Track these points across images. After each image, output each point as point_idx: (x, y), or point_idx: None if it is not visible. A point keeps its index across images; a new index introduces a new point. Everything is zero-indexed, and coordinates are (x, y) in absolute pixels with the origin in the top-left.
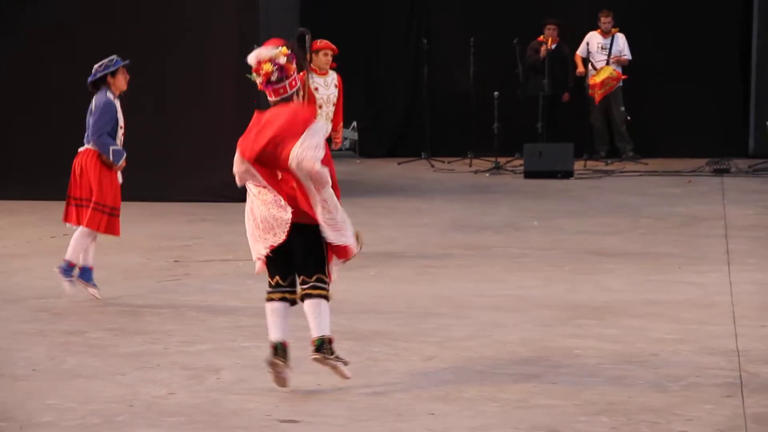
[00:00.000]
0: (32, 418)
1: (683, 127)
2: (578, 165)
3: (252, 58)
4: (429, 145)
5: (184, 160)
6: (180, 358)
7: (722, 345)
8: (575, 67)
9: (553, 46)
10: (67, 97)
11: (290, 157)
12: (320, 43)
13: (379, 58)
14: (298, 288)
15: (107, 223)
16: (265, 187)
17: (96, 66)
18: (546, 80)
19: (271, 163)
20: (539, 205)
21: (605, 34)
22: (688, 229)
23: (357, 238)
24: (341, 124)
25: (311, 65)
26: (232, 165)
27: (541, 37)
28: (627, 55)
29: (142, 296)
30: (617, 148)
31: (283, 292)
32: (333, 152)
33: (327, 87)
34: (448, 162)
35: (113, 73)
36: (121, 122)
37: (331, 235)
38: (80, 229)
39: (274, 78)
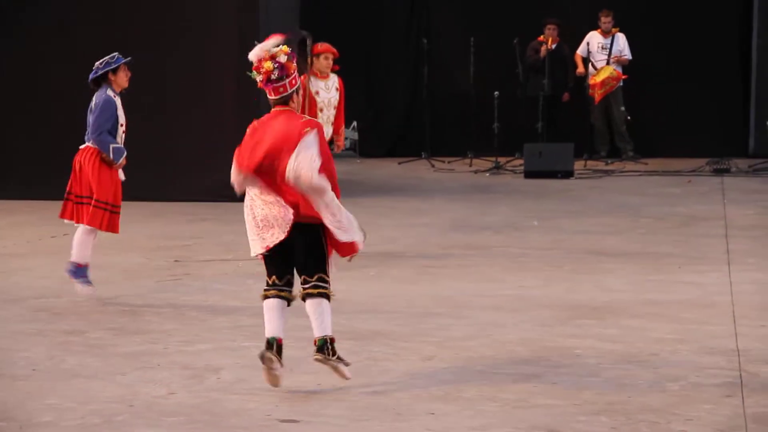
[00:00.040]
0: (32, 418)
1: (683, 127)
2: (578, 165)
3: (253, 56)
4: (429, 145)
5: (184, 160)
6: (180, 358)
7: (722, 345)
8: (575, 66)
9: (553, 46)
10: (67, 97)
11: (287, 172)
12: (321, 46)
13: (379, 58)
14: (300, 288)
15: (108, 220)
16: (266, 188)
17: (97, 63)
18: (546, 80)
19: (269, 175)
20: (539, 205)
21: (605, 33)
22: (688, 229)
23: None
24: (343, 127)
25: (312, 69)
26: (232, 165)
27: (541, 37)
28: (627, 54)
29: (142, 296)
30: (617, 148)
31: (278, 290)
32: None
33: (328, 90)
34: (448, 162)
35: (114, 71)
36: (122, 120)
37: (342, 236)
38: (81, 228)
39: (274, 76)
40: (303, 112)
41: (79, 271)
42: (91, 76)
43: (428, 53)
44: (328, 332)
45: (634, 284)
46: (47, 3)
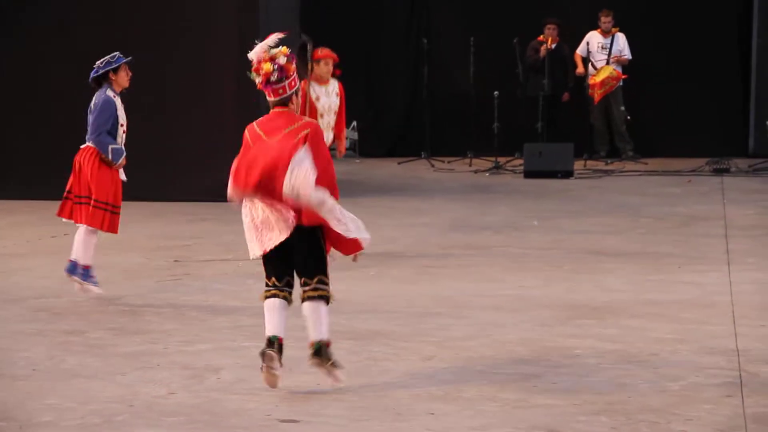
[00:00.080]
0: (32, 418)
1: (683, 127)
2: (578, 165)
3: (253, 55)
4: (429, 144)
5: (184, 160)
6: (180, 358)
7: (722, 345)
8: (575, 66)
9: (553, 46)
10: (67, 97)
11: (284, 190)
12: (321, 52)
13: (379, 58)
14: (300, 290)
15: (108, 221)
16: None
17: (98, 62)
18: (546, 80)
19: (268, 192)
20: (539, 205)
21: (605, 33)
22: (688, 228)
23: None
24: (344, 132)
25: (312, 74)
26: (232, 165)
27: (541, 36)
28: (627, 54)
29: (142, 296)
30: (617, 147)
31: (279, 290)
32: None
33: (328, 96)
34: (448, 162)
35: (115, 70)
36: (122, 120)
37: (351, 234)
38: (83, 229)
39: (273, 78)
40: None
41: (87, 273)
42: (91, 75)
43: (428, 53)
44: (325, 336)
45: (633, 284)
46: (47, 3)
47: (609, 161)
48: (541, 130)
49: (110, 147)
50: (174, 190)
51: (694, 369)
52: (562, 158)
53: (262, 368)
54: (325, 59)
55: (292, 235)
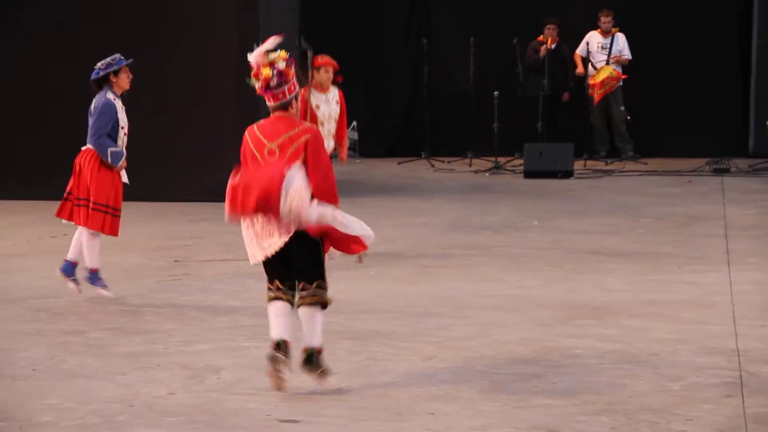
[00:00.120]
0: (32, 418)
1: (683, 127)
2: (578, 165)
3: (252, 60)
4: (429, 145)
5: (184, 160)
6: (180, 358)
7: (722, 345)
8: (575, 66)
9: (553, 46)
10: (67, 97)
11: (281, 215)
12: (321, 59)
13: (379, 58)
14: (297, 294)
15: (109, 223)
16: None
17: (99, 64)
18: (546, 80)
19: (266, 214)
20: (539, 205)
21: (605, 33)
22: (688, 229)
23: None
24: (346, 139)
25: (313, 82)
26: (232, 165)
27: (541, 37)
28: (627, 54)
29: (142, 296)
30: (617, 147)
31: (283, 293)
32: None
33: (328, 104)
34: (448, 162)
35: (116, 73)
36: (123, 123)
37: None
38: (84, 233)
39: (273, 83)
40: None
41: (95, 276)
42: (92, 78)
43: (428, 53)
44: (317, 343)
45: (634, 284)
46: (47, 3)
47: (609, 161)
48: (541, 130)
49: (109, 150)
50: (174, 190)
51: (694, 369)
52: (562, 158)
53: (269, 372)
54: (325, 66)
55: (291, 239)
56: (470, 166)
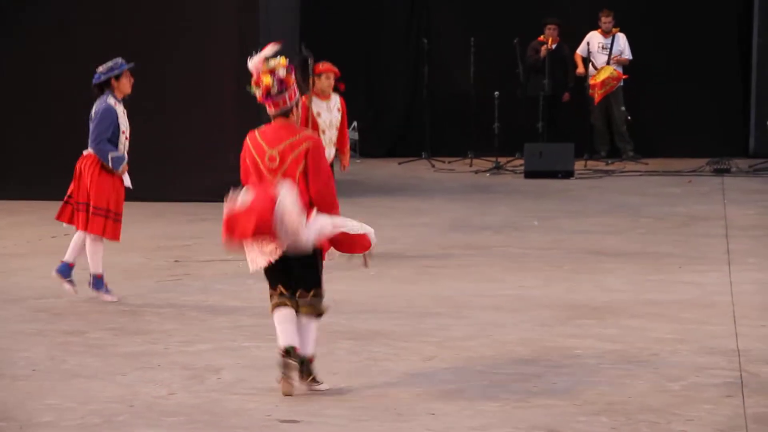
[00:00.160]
0: (32, 418)
1: (683, 127)
2: (578, 165)
3: (252, 67)
4: (429, 145)
5: (184, 160)
6: (180, 358)
7: (722, 345)
8: (575, 66)
9: (554, 46)
10: (67, 97)
11: (281, 241)
12: (322, 66)
13: (379, 58)
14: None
15: (109, 227)
16: None
17: (100, 68)
18: (546, 80)
19: (264, 238)
20: (539, 205)
21: (606, 33)
22: (688, 229)
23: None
24: (348, 146)
25: (313, 89)
26: (232, 165)
27: (542, 37)
28: (627, 55)
29: (142, 296)
30: (617, 148)
31: (287, 299)
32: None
33: (330, 111)
34: (449, 162)
35: (117, 77)
36: (124, 127)
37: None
38: (87, 238)
39: (274, 91)
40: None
41: (98, 282)
42: (93, 82)
43: (428, 53)
44: (309, 352)
45: (634, 284)
46: (47, 3)
47: (609, 161)
48: (542, 130)
49: (110, 155)
50: (174, 190)
51: (695, 369)
52: (563, 158)
53: (281, 378)
54: (326, 73)
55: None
56: (470, 166)
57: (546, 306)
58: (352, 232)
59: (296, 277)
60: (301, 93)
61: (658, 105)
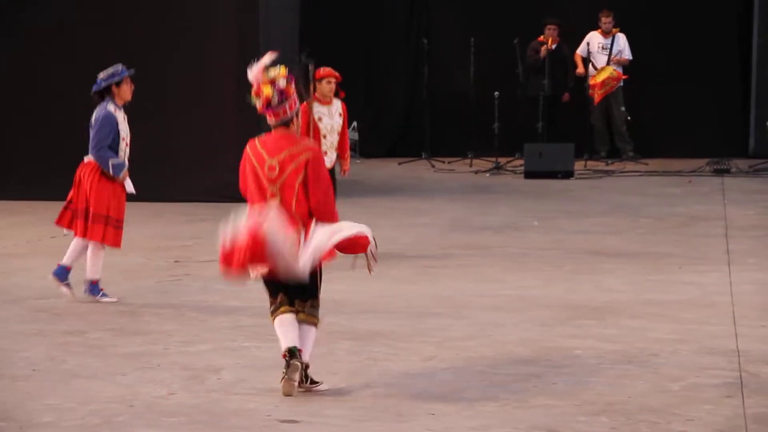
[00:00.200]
0: (32, 418)
1: (683, 127)
2: (578, 165)
3: (251, 78)
4: (429, 145)
5: (184, 160)
6: (180, 358)
7: (722, 345)
8: (575, 67)
9: (554, 46)
10: (67, 97)
11: (282, 275)
12: (323, 70)
13: (379, 58)
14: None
15: (110, 234)
16: None
17: (101, 75)
18: (546, 80)
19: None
20: (539, 205)
21: (606, 34)
22: (688, 229)
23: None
24: (348, 152)
25: (314, 94)
26: (232, 165)
27: (542, 37)
28: (627, 55)
29: (142, 296)
30: (617, 148)
31: (288, 306)
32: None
33: (331, 117)
34: (449, 162)
35: (118, 83)
36: (124, 134)
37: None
38: (90, 246)
39: (274, 102)
40: (306, 137)
41: (94, 288)
42: (94, 89)
43: (428, 53)
44: (306, 358)
45: (633, 284)
46: (47, 3)
47: (609, 161)
48: (542, 130)
49: (110, 162)
50: (174, 190)
51: (694, 369)
52: (563, 158)
53: (283, 379)
54: (327, 78)
55: None
56: (470, 166)
57: (546, 306)
58: (349, 236)
59: (293, 287)
60: (301, 100)
61: (658, 105)
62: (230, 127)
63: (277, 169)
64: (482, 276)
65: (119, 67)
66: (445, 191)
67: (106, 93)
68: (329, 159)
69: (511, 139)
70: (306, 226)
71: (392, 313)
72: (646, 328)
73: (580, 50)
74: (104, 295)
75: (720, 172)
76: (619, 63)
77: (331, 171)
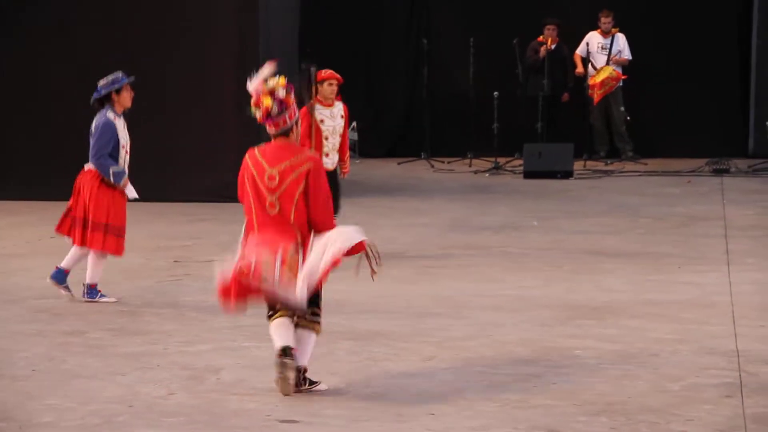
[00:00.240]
0: (32, 418)
1: (683, 127)
2: (578, 165)
3: (251, 88)
4: (429, 145)
5: (184, 160)
6: (180, 358)
7: (722, 345)
8: (575, 67)
9: (553, 47)
10: (67, 97)
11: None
12: (325, 73)
13: (379, 58)
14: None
15: (110, 242)
16: None
17: (101, 83)
18: (546, 80)
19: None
20: (539, 205)
21: (605, 34)
22: (687, 229)
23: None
24: (348, 154)
25: (316, 96)
26: (232, 165)
27: (541, 37)
28: (627, 55)
29: (142, 296)
30: (617, 148)
31: (284, 311)
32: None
33: (333, 119)
34: (448, 162)
35: (118, 91)
36: (123, 141)
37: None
38: (91, 253)
39: (274, 112)
40: (308, 140)
41: (93, 292)
42: (94, 97)
43: (428, 53)
44: (305, 362)
45: (633, 284)
46: (47, 3)
47: (609, 162)
48: (541, 130)
49: (111, 170)
50: (174, 190)
51: (694, 369)
52: (562, 158)
53: (277, 378)
54: (328, 80)
55: None
56: (470, 166)
57: (546, 306)
58: (341, 250)
59: None
60: (302, 104)
61: (657, 105)
62: (230, 127)
63: (277, 178)
64: (482, 276)
65: (119, 74)
66: (445, 191)
67: (106, 100)
68: (331, 161)
69: (510, 139)
70: (305, 238)
71: (392, 313)
72: (646, 328)
73: (580, 50)
74: (103, 295)
75: (719, 172)
76: (618, 63)
77: (334, 172)
